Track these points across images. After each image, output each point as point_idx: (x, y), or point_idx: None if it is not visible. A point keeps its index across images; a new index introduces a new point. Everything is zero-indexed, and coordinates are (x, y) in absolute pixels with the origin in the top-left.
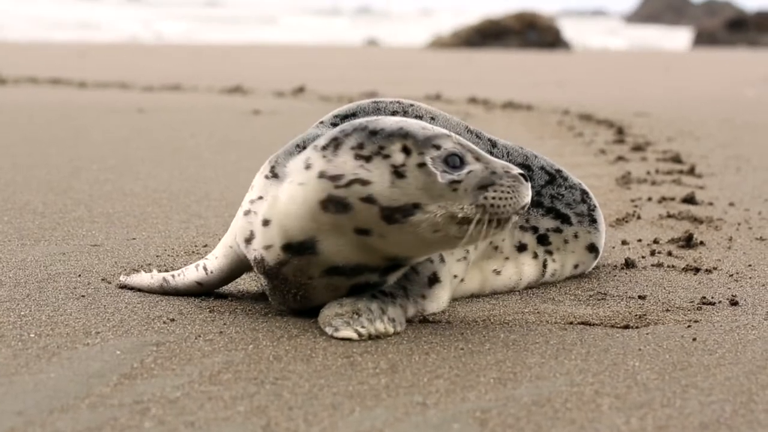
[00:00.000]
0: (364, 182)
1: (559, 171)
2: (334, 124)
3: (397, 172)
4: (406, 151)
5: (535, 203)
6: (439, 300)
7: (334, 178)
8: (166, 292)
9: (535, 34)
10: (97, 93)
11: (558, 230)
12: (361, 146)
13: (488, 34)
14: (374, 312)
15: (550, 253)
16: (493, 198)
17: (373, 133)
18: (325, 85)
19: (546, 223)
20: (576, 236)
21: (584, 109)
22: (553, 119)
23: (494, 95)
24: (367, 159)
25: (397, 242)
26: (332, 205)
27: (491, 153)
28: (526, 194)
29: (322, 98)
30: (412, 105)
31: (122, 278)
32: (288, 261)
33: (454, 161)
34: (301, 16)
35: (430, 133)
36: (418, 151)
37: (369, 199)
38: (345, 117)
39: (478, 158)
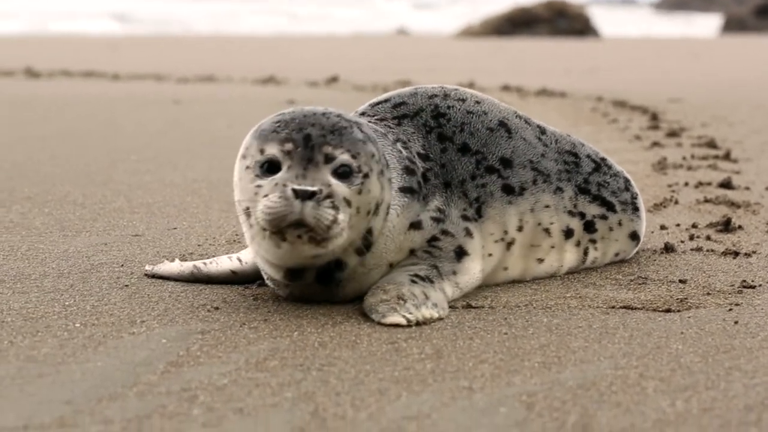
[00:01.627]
0: (235, 181)
1: (603, 159)
2: (363, 113)
3: (239, 173)
4: (243, 155)
5: (583, 190)
6: (470, 272)
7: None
8: (197, 279)
9: (565, 21)
10: (131, 85)
11: (604, 217)
12: (245, 145)
13: (518, 22)
14: (418, 297)
15: (593, 241)
16: (260, 209)
17: (252, 133)
18: (358, 74)
19: (593, 210)
20: (620, 224)
21: (618, 96)
22: (587, 106)
23: (527, 83)
24: (241, 157)
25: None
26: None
27: (539, 139)
28: (289, 211)
29: (355, 88)
30: (456, 89)
31: (148, 268)
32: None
33: (271, 168)
34: (330, 6)
35: (263, 136)
36: (250, 153)
37: (235, 196)
38: (377, 104)
39: (290, 168)
